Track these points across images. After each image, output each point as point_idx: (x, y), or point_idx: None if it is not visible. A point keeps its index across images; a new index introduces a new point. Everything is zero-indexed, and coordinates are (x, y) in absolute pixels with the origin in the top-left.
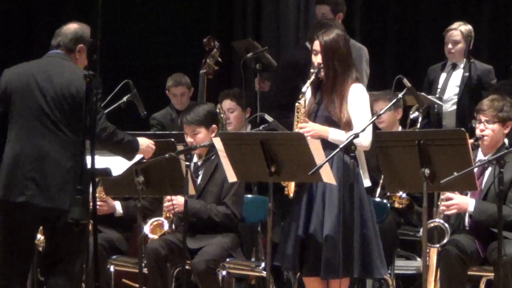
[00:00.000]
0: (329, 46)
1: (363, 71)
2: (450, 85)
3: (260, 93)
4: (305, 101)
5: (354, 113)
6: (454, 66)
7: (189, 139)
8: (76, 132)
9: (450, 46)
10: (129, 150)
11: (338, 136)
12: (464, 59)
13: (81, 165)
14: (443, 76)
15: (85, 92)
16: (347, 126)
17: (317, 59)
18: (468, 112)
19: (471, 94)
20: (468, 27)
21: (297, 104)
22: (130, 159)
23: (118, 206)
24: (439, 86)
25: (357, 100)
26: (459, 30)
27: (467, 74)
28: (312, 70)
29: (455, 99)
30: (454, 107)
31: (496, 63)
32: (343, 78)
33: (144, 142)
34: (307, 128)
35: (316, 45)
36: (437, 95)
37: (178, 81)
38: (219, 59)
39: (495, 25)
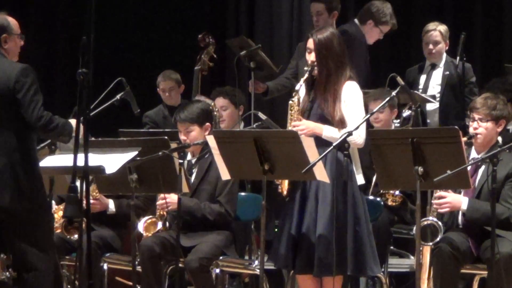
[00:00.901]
0: (323, 44)
1: None
2: (432, 84)
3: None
4: (298, 99)
5: (347, 111)
6: (434, 66)
7: (182, 137)
8: (13, 127)
9: (431, 46)
10: (66, 133)
11: (332, 133)
12: (443, 59)
13: (22, 160)
14: (423, 76)
15: (78, 90)
16: (340, 124)
17: (311, 57)
18: (450, 109)
19: (453, 92)
20: (445, 26)
21: (290, 102)
22: (66, 142)
23: (111, 204)
24: (420, 86)
25: (351, 98)
26: (438, 30)
27: (447, 72)
28: (305, 68)
29: (438, 97)
30: (437, 105)
31: (489, 61)
32: (336, 76)
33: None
34: (301, 126)
35: (310, 43)
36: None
37: (167, 76)
38: (214, 56)
39: (488, 23)
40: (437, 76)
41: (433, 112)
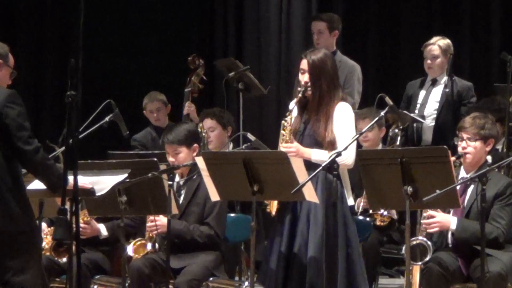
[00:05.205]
0: (316, 65)
1: (355, 89)
2: (430, 101)
3: None
4: (291, 119)
5: (338, 131)
6: (434, 82)
7: (171, 159)
8: (4, 153)
9: (429, 61)
10: (55, 174)
11: (320, 156)
12: (445, 75)
13: (11, 183)
14: (422, 91)
15: (67, 112)
16: (331, 146)
17: (304, 77)
18: (447, 127)
19: (450, 109)
20: (447, 41)
21: (283, 121)
22: (51, 186)
23: (102, 228)
24: (419, 101)
25: (342, 118)
26: (437, 44)
27: (448, 90)
28: (299, 89)
29: (435, 114)
30: (434, 122)
31: (477, 80)
32: (329, 97)
33: None
34: (292, 149)
35: (304, 64)
36: (416, 111)
37: (154, 97)
38: (204, 77)
39: (476, 41)
40: (437, 92)
41: (430, 129)
